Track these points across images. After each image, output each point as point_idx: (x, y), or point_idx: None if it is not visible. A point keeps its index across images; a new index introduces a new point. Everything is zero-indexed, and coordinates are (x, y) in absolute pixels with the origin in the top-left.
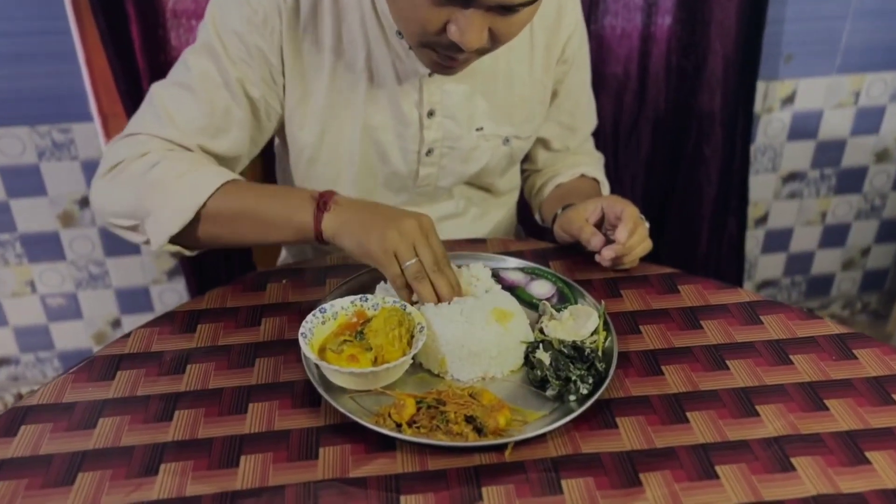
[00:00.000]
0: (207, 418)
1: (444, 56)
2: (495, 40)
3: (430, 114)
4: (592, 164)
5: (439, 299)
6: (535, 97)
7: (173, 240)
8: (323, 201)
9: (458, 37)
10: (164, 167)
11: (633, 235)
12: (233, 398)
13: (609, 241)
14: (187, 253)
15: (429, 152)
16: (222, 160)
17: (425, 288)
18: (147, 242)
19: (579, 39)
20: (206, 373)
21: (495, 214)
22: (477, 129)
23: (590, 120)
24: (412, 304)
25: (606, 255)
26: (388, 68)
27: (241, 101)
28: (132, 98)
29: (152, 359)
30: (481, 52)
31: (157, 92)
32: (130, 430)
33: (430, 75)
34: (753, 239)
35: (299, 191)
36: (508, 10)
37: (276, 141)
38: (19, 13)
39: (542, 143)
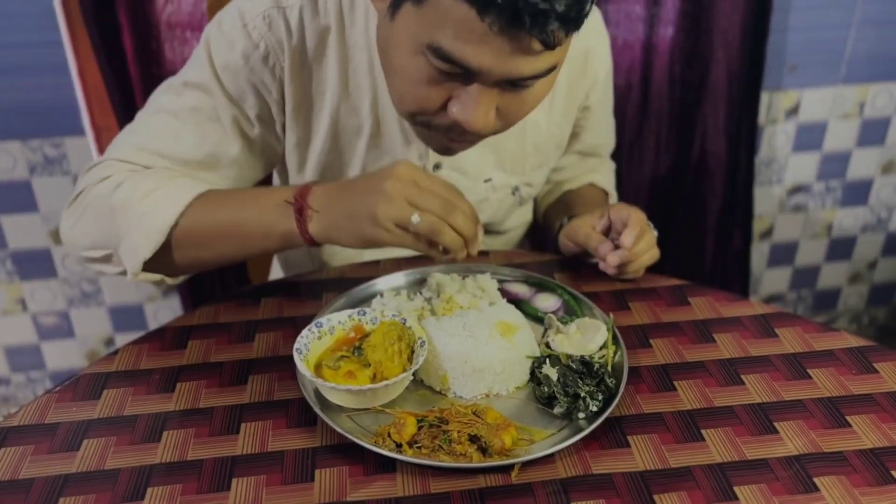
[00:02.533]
0: (197, 439)
1: (444, 137)
2: (504, 120)
3: (436, 167)
4: (604, 173)
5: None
6: (550, 142)
7: (150, 267)
8: (299, 209)
9: (460, 116)
10: (128, 187)
11: (639, 241)
12: (224, 418)
13: (617, 249)
14: (170, 281)
15: None
16: None
17: (447, 236)
18: (123, 273)
19: (604, 85)
20: (197, 391)
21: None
22: (485, 181)
23: (609, 144)
24: (445, 257)
25: (611, 262)
26: (393, 116)
27: (234, 139)
28: (125, 110)
29: (141, 377)
30: (489, 132)
31: (141, 118)
32: (116, 452)
33: None
34: (758, 252)
35: (270, 196)
36: (518, 84)
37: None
38: (9, 23)
39: (556, 170)
